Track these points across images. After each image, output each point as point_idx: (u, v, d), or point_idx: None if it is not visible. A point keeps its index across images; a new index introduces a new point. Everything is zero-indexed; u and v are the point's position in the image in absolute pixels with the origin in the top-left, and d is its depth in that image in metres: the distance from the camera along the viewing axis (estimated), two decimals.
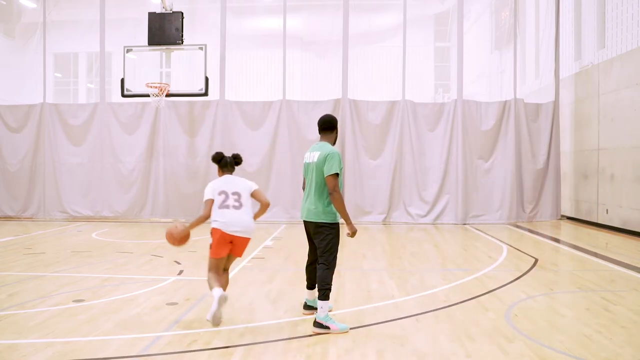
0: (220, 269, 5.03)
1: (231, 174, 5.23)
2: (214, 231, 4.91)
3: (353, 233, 4.90)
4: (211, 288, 4.82)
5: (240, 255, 5.11)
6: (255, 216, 5.15)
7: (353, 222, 5.02)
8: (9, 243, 9.99)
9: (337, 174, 4.82)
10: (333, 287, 6.37)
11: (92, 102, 14.31)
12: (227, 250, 4.96)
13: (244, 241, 4.99)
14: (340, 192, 4.86)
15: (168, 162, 13.63)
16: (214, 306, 4.67)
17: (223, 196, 4.98)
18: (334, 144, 5.12)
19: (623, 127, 11.40)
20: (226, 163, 5.22)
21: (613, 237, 10.77)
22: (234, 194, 5.00)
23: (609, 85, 12.00)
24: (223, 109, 13.63)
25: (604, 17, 12.32)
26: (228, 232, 4.86)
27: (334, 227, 4.94)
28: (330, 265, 4.89)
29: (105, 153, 13.83)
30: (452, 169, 13.31)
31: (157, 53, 12.44)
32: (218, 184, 5.07)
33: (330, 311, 5.07)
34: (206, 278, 5.02)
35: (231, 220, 4.89)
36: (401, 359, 4.14)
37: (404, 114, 13.45)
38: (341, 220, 4.96)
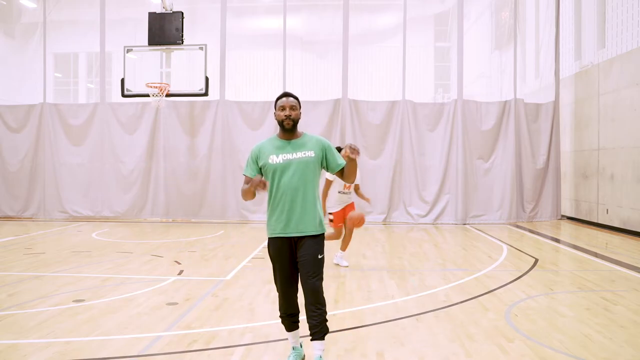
0: None
1: None
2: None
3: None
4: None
5: None
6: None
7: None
8: (9, 243, 9.98)
9: None
10: (333, 287, 6.38)
11: (92, 102, 14.29)
12: None
13: None
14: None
15: (168, 162, 13.61)
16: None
17: None
18: None
19: (623, 127, 11.40)
20: None
21: (613, 237, 10.77)
22: None
23: (609, 85, 11.99)
24: (223, 109, 13.62)
25: (604, 17, 12.32)
26: None
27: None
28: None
29: (106, 153, 13.81)
30: (452, 168, 13.30)
31: (157, 53, 12.41)
32: None
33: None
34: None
35: None
36: (401, 359, 4.14)
37: (404, 114, 13.44)
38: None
